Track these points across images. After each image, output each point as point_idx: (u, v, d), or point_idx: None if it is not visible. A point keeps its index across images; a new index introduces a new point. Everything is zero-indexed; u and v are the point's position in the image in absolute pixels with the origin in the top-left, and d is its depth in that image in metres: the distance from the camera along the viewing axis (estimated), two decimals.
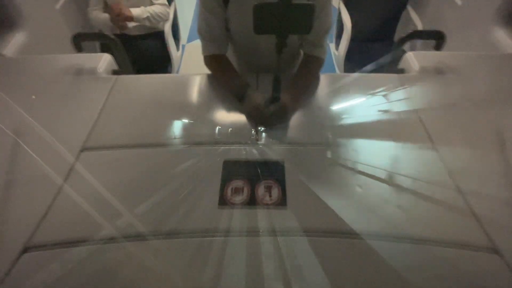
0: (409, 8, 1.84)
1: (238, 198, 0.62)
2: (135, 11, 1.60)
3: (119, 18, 1.56)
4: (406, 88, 0.87)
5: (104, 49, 1.66)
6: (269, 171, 0.67)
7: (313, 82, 0.90)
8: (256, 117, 0.78)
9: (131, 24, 1.68)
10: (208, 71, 0.91)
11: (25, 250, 0.54)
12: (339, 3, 1.84)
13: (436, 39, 0.98)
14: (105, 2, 1.65)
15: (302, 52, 0.93)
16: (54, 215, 0.59)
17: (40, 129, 0.74)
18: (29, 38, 1.32)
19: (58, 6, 1.57)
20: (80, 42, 1.02)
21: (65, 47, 1.11)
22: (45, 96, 0.85)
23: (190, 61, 2.40)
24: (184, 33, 2.63)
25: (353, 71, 0.95)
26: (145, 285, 0.51)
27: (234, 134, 0.75)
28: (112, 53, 1.01)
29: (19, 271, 0.52)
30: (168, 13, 1.73)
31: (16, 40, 1.27)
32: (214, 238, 0.56)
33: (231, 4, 0.79)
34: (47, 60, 0.99)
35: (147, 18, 1.64)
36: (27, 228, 0.57)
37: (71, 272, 0.51)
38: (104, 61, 0.96)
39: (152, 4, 1.69)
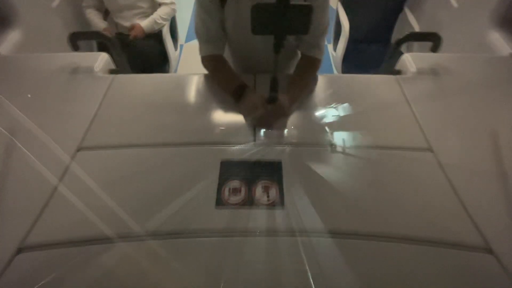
0: (406, 10, 1.85)
1: (236, 199, 0.62)
2: (145, 25, 1.63)
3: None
4: (403, 89, 0.87)
5: (101, 48, 1.65)
6: (266, 171, 0.67)
7: (311, 82, 0.90)
8: (253, 117, 0.78)
9: (127, 23, 1.67)
10: (205, 71, 0.91)
11: (20, 250, 0.54)
12: (337, 4, 1.85)
13: (433, 41, 0.99)
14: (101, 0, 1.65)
15: (299, 53, 0.93)
16: (49, 215, 0.59)
17: (36, 128, 0.73)
18: (25, 37, 1.31)
19: (54, 4, 1.56)
20: (76, 41, 1.02)
21: (61, 46, 1.10)
22: (41, 95, 0.85)
23: (188, 61, 2.40)
24: (182, 32, 2.62)
25: (351, 72, 0.96)
26: (142, 285, 0.51)
27: (232, 134, 0.75)
28: (109, 52, 1.00)
29: (13, 272, 0.51)
30: (174, 10, 1.73)
31: (12, 39, 1.26)
32: (211, 238, 0.56)
33: (228, 5, 0.79)
34: (44, 58, 0.98)
35: (157, 26, 1.67)
36: (22, 228, 0.56)
37: (66, 273, 0.51)
38: (101, 60, 0.95)
39: (154, 2, 1.69)
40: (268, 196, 0.62)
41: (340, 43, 1.79)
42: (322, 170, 0.68)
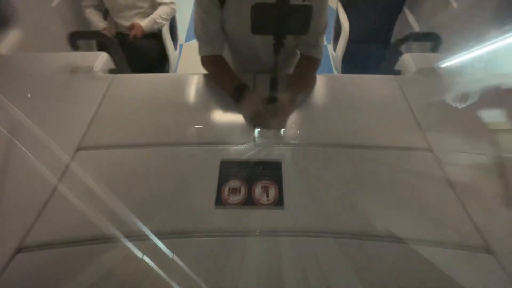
0: (406, 10, 1.85)
1: (235, 198, 0.62)
2: (145, 25, 1.62)
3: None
4: (403, 89, 0.87)
5: (100, 48, 1.65)
6: (266, 171, 0.67)
7: (310, 82, 0.90)
8: (253, 117, 0.78)
9: (127, 23, 1.67)
10: (205, 71, 0.91)
11: (19, 250, 0.54)
12: (337, 4, 1.85)
13: (432, 41, 0.99)
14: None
15: (299, 53, 0.93)
16: (49, 215, 0.59)
17: (36, 128, 0.73)
18: (25, 36, 1.31)
19: (54, 4, 1.55)
20: (76, 40, 1.02)
21: (61, 45, 1.10)
22: (41, 95, 0.84)
23: (188, 61, 2.39)
24: (182, 32, 2.62)
25: (351, 72, 0.96)
26: (142, 285, 0.50)
27: (231, 134, 0.75)
28: (109, 52, 1.00)
29: (13, 271, 0.51)
30: (174, 10, 1.73)
31: (11, 38, 1.26)
32: (211, 238, 0.56)
33: (228, 5, 0.79)
34: (43, 58, 0.98)
35: (157, 25, 1.66)
36: (21, 228, 0.56)
37: (65, 273, 0.51)
38: (101, 59, 0.95)
39: (153, 2, 1.68)
40: (267, 196, 0.62)
41: (339, 43, 1.79)
42: (321, 170, 0.68)
